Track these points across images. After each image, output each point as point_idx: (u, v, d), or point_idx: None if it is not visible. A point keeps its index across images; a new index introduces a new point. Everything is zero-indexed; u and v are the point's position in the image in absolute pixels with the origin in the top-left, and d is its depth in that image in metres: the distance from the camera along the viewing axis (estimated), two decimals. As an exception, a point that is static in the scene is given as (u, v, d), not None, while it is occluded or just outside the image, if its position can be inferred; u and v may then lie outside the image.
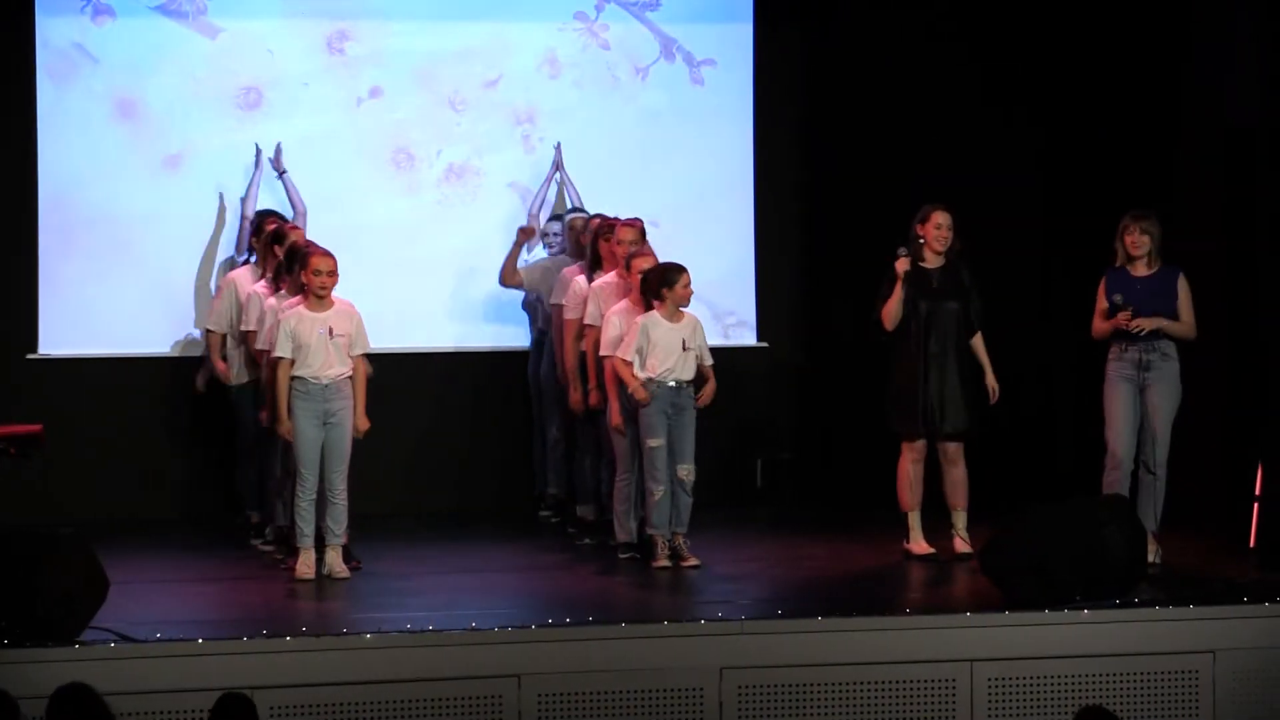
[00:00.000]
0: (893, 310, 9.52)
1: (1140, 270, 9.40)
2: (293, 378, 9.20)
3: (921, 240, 9.57)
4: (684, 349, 9.52)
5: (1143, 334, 9.27)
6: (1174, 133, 11.13)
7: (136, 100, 11.21)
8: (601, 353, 9.74)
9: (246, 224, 10.87)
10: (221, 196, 11.20)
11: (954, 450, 9.64)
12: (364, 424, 9.32)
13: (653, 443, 9.50)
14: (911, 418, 9.53)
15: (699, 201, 11.41)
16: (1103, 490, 9.31)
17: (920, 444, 9.59)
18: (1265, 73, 10.12)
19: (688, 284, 9.56)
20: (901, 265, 9.48)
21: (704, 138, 11.67)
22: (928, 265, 9.56)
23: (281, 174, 11.03)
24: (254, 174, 11.07)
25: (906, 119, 11.49)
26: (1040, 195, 11.52)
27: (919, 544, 9.63)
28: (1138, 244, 9.35)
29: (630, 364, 9.50)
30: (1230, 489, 10.40)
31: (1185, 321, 9.38)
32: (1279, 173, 9.97)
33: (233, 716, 6.06)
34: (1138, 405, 9.35)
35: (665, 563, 9.48)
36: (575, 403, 10.20)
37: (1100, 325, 9.39)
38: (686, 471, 9.54)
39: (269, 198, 11.02)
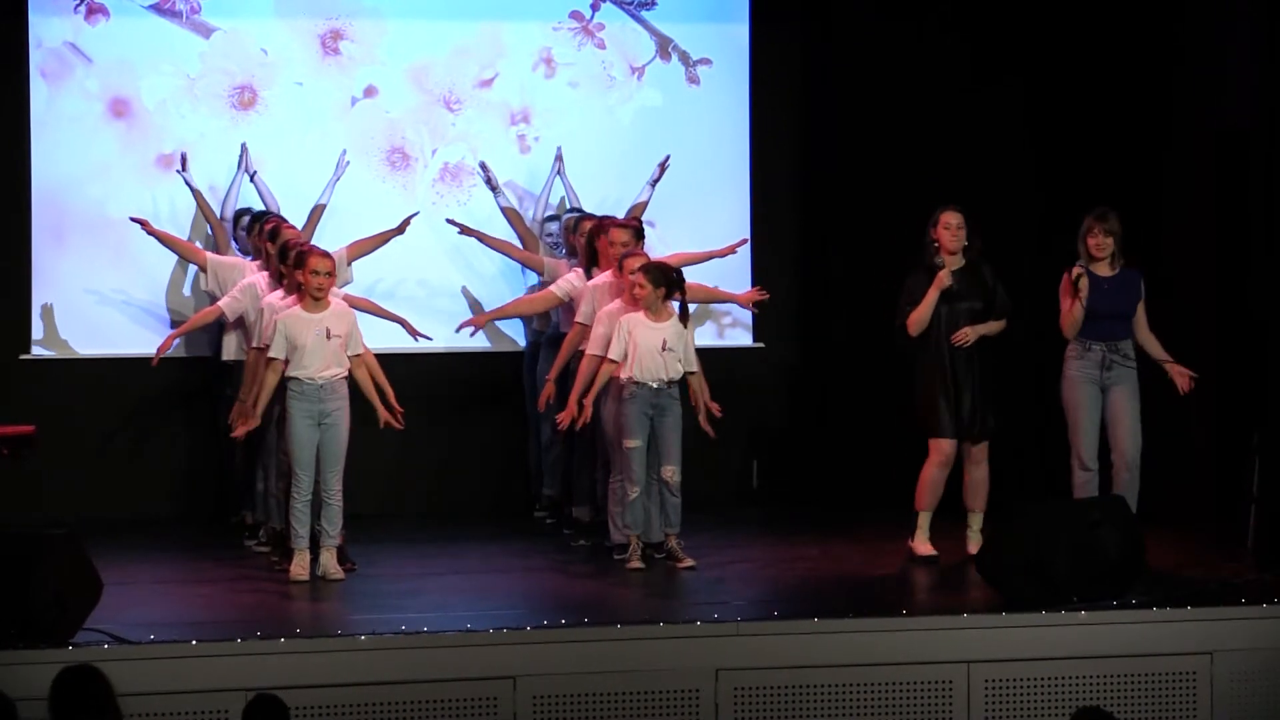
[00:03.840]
0: (921, 317, 9.44)
1: (1104, 270, 9.38)
2: (289, 378, 9.16)
3: (936, 244, 9.53)
4: (664, 349, 9.47)
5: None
6: (1167, 135, 11.11)
7: (130, 99, 11.18)
8: (589, 350, 9.69)
9: (225, 224, 10.81)
10: (215, 193, 11.16)
11: (979, 451, 9.57)
12: (389, 418, 9.35)
13: (630, 443, 9.44)
14: (943, 418, 9.45)
15: (695, 201, 11.37)
16: (1074, 495, 9.29)
17: (950, 446, 9.50)
18: (1257, 76, 10.11)
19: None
20: (944, 278, 9.42)
21: (700, 137, 11.64)
22: (947, 268, 9.50)
23: (252, 175, 10.97)
24: (235, 174, 11.01)
25: (903, 119, 11.46)
26: (1036, 196, 11.48)
27: (924, 545, 9.58)
28: (1101, 245, 9.36)
29: (617, 363, 9.45)
30: (1225, 489, 10.38)
31: (1142, 327, 9.43)
32: (1271, 175, 9.96)
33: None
34: (1100, 405, 9.35)
35: (639, 564, 9.44)
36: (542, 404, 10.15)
37: (1066, 318, 9.34)
38: (671, 472, 9.49)
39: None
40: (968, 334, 9.46)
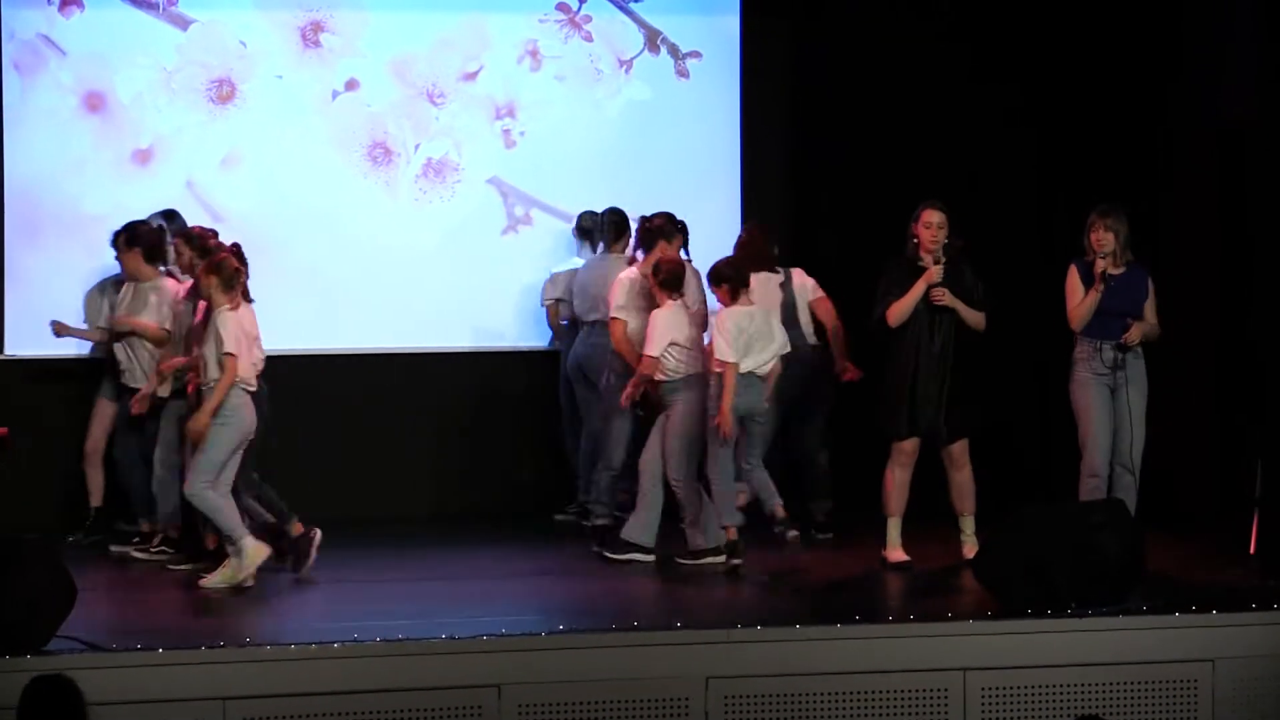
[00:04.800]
0: (904, 310, 9.28)
1: (1113, 268, 9.27)
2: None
3: (915, 240, 9.37)
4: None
5: (1133, 342, 9.21)
6: (1166, 133, 11.10)
7: (105, 93, 11.05)
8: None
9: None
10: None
11: (959, 451, 9.42)
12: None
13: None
14: (901, 417, 9.32)
15: (685, 197, 11.19)
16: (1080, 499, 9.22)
17: (909, 446, 9.38)
18: (1257, 72, 10.04)
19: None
20: (935, 273, 9.25)
21: (690, 132, 11.54)
22: (926, 265, 9.32)
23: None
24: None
25: (896, 114, 11.37)
26: (1033, 193, 11.43)
27: (896, 552, 9.46)
28: (1102, 241, 9.29)
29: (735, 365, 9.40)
30: (1227, 492, 10.33)
31: (1152, 322, 9.37)
32: (1271, 173, 9.88)
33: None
34: (1111, 408, 9.25)
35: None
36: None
37: (1078, 309, 9.24)
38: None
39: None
40: (944, 293, 9.24)
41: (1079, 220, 9.43)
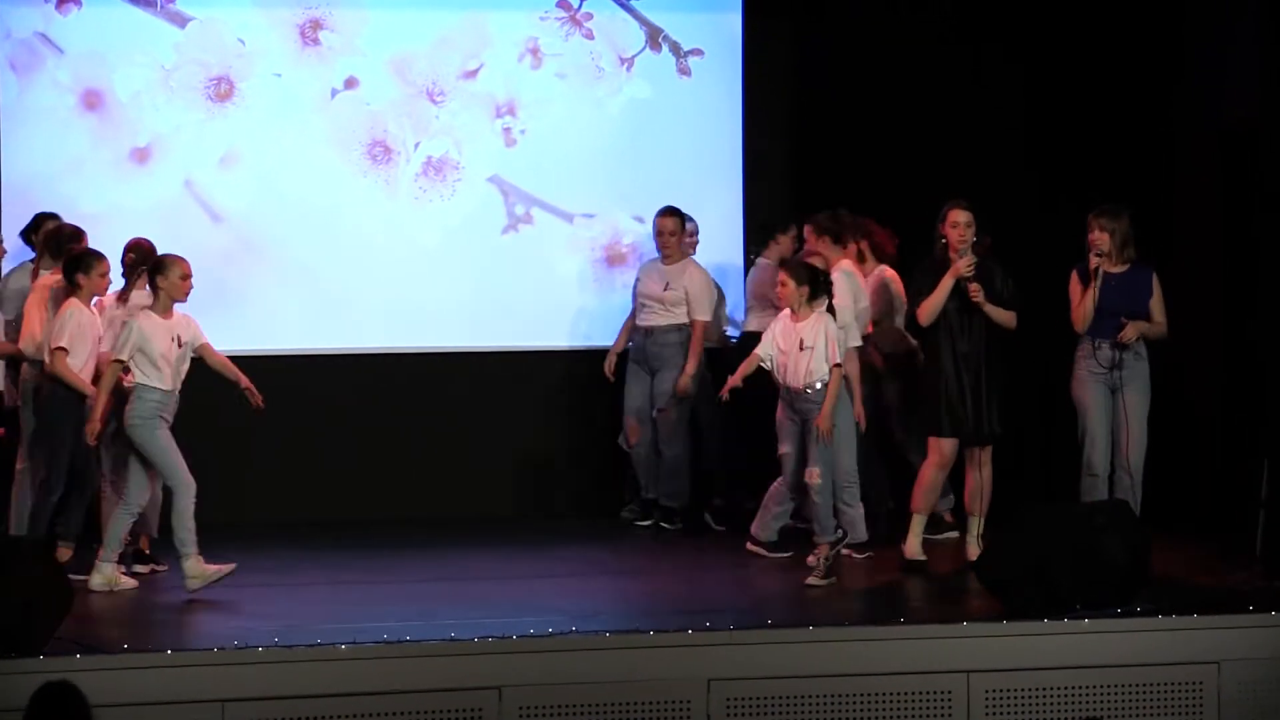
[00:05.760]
0: (935, 306, 9.22)
1: (1112, 267, 9.20)
2: (152, 388, 8.84)
3: (944, 241, 9.30)
4: (801, 349, 9.31)
5: (1129, 340, 9.13)
6: (1169, 134, 11.06)
7: (103, 92, 10.99)
8: None
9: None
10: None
11: (984, 453, 9.38)
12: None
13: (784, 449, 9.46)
14: (945, 418, 9.26)
15: (687, 196, 11.18)
16: (1080, 499, 9.19)
17: (950, 446, 9.32)
18: (1259, 74, 10.01)
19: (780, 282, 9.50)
20: (963, 267, 9.18)
21: (691, 130, 11.49)
22: (968, 259, 9.27)
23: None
24: None
25: (899, 114, 11.33)
26: (1036, 192, 11.36)
27: (915, 549, 9.41)
28: (1097, 240, 9.24)
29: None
30: (1233, 494, 10.28)
31: (1159, 321, 9.32)
32: (1274, 174, 9.85)
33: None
34: (1111, 408, 9.21)
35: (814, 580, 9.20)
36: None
37: (1078, 309, 9.21)
38: (811, 475, 9.36)
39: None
40: (978, 289, 9.18)
41: (1081, 223, 9.39)
